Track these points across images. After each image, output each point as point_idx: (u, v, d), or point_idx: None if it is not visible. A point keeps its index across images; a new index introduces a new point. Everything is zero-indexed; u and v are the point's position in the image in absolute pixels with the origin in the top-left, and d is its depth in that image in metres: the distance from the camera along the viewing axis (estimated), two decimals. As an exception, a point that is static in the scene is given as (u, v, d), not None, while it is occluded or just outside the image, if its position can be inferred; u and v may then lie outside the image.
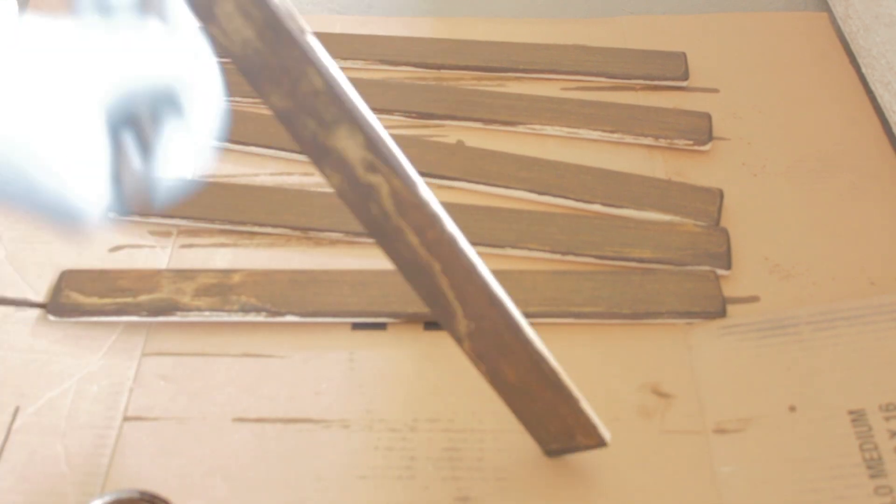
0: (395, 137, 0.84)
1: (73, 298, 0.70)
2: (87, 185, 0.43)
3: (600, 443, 0.59)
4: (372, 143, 0.48)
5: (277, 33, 0.45)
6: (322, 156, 0.49)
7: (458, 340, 0.56)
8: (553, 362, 0.56)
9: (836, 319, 0.68)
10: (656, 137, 0.84)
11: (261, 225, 0.77)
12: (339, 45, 0.95)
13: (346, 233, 0.76)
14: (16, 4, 0.99)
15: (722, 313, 0.70)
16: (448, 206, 0.78)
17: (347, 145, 0.48)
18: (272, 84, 0.47)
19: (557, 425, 0.58)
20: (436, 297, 0.54)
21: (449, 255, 0.52)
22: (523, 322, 0.55)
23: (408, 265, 0.53)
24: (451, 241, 0.52)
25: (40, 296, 0.72)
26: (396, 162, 0.49)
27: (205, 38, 0.44)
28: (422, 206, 0.50)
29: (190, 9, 0.44)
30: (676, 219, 0.77)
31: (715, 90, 0.90)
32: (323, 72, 0.46)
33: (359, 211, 0.51)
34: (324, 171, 0.49)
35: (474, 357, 0.56)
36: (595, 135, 0.85)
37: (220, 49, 0.45)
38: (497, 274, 0.72)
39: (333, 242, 0.76)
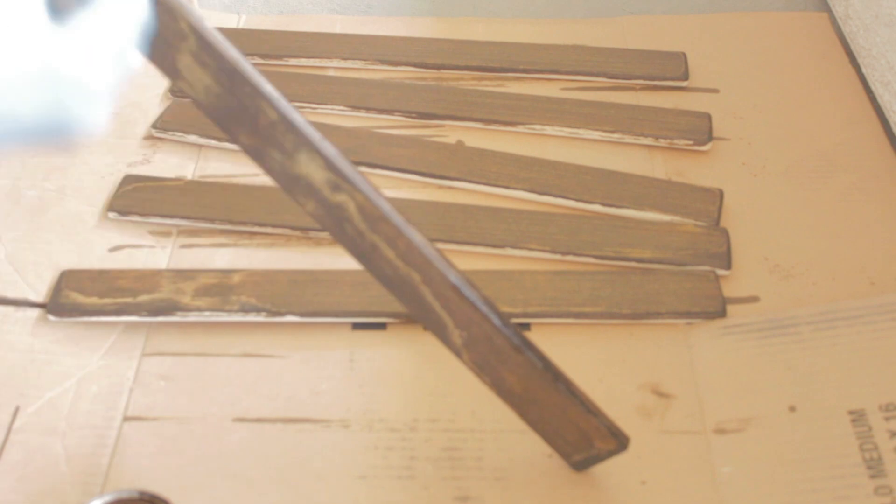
0: (395, 137, 0.85)
1: (73, 298, 0.70)
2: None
3: (620, 446, 0.58)
4: (330, 162, 0.51)
5: (230, 75, 0.48)
6: (293, 185, 0.52)
7: (458, 354, 0.56)
8: (552, 365, 0.56)
9: (836, 319, 0.68)
10: (656, 137, 0.84)
11: (261, 225, 0.77)
12: (339, 45, 0.95)
13: (346, 233, 0.76)
14: None
15: (722, 313, 0.70)
16: (448, 206, 0.79)
17: (311, 169, 0.51)
18: (237, 124, 0.50)
19: (573, 432, 0.58)
20: (425, 310, 0.55)
21: (423, 264, 0.54)
22: (510, 325, 0.55)
23: (392, 282, 0.54)
24: (421, 249, 0.53)
25: (40, 296, 0.72)
26: (356, 177, 0.52)
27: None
28: (387, 217, 0.52)
29: (159, 70, 0.48)
30: (676, 219, 0.77)
31: (715, 90, 0.90)
32: (275, 103, 0.49)
33: (337, 235, 0.53)
34: (298, 200, 0.52)
35: (475, 369, 0.56)
36: (595, 135, 0.85)
37: (193, 101, 0.50)
38: (497, 274, 0.72)
39: (333, 242, 0.76)
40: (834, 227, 0.76)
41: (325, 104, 0.88)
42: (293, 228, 0.76)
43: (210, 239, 0.77)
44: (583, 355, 0.68)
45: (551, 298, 0.70)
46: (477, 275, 0.72)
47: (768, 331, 0.68)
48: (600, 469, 0.61)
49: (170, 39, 0.47)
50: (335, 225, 0.53)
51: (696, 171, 0.82)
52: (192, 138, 0.85)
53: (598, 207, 0.78)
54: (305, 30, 0.98)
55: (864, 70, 0.91)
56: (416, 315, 0.55)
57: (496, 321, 0.55)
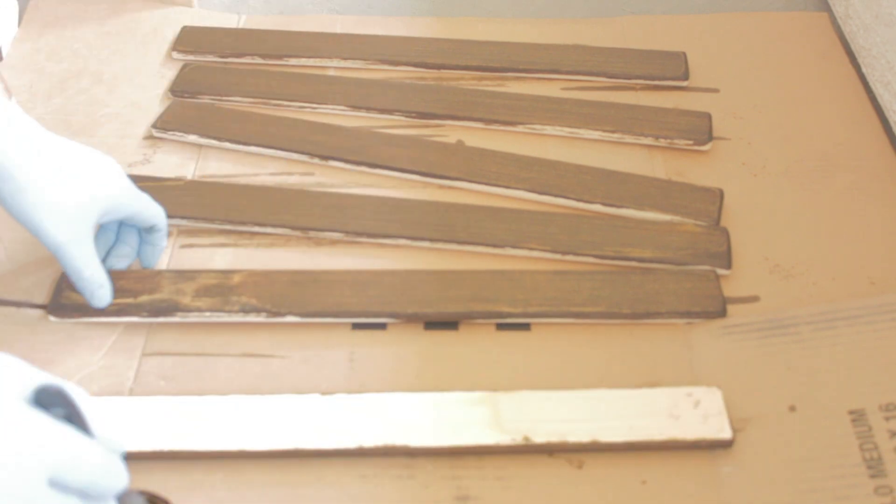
0: (395, 137, 0.85)
1: (74, 299, 0.70)
2: None
3: None
4: None
5: None
6: None
7: None
8: None
9: (836, 319, 0.68)
10: (656, 137, 0.84)
11: (261, 225, 0.77)
12: (339, 45, 0.95)
13: (346, 233, 0.76)
14: (16, 6, 0.99)
15: (722, 313, 0.70)
16: (448, 206, 0.79)
17: None
18: None
19: None
20: None
21: None
22: None
23: None
24: None
25: (40, 296, 0.72)
26: None
27: None
28: None
29: None
30: (676, 219, 0.77)
31: (715, 90, 0.90)
32: None
33: None
34: None
35: None
36: (595, 135, 0.85)
37: None
38: (497, 274, 0.72)
39: (333, 242, 0.76)
40: (834, 227, 0.76)
41: (326, 104, 0.88)
42: (293, 228, 0.76)
43: (210, 239, 0.77)
44: (583, 355, 0.68)
45: (551, 298, 0.70)
46: (477, 275, 0.72)
47: (768, 331, 0.68)
48: (600, 469, 0.61)
49: None
50: None
51: (696, 171, 0.82)
52: (192, 138, 0.85)
53: (598, 207, 0.78)
54: (305, 30, 0.98)
55: (864, 70, 0.91)
56: None
57: None
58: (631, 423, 0.62)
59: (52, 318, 0.70)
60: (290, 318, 0.69)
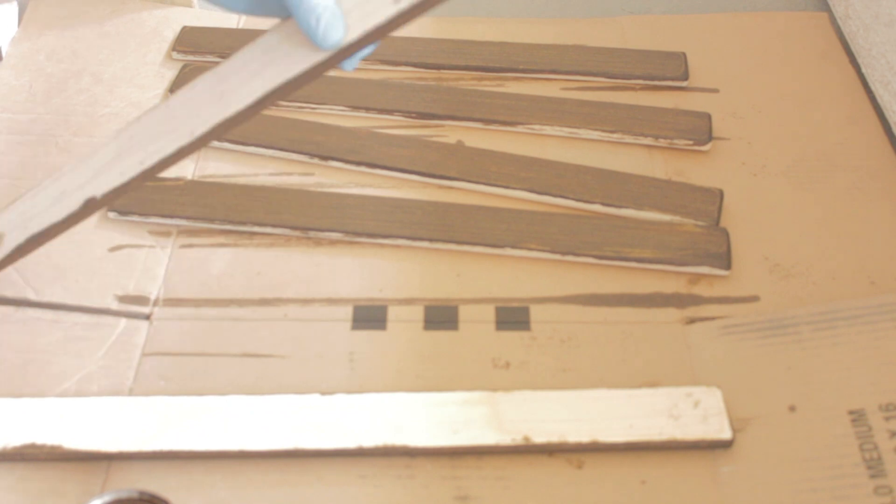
0: (395, 137, 0.85)
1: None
2: None
3: None
4: None
5: None
6: None
7: None
8: None
9: (836, 319, 0.68)
10: (656, 137, 0.84)
11: (261, 225, 0.77)
12: (339, 45, 0.95)
13: (346, 233, 0.76)
14: (16, 6, 0.99)
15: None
16: (448, 206, 0.79)
17: None
18: None
19: None
20: None
21: None
22: None
23: None
24: None
25: (40, 295, 0.72)
26: None
27: None
28: None
29: None
30: (676, 219, 0.77)
31: (715, 90, 0.90)
32: None
33: None
34: None
35: None
36: (595, 135, 0.85)
37: None
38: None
39: (333, 242, 0.76)
40: (834, 227, 0.76)
41: (325, 104, 0.88)
42: (293, 228, 0.76)
43: (210, 239, 0.77)
44: (582, 355, 0.68)
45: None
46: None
47: (768, 331, 0.68)
48: (600, 469, 0.61)
49: None
50: None
51: (696, 171, 0.82)
52: (192, 138, 0.85)
53: (597, 207, 0.78)
54: (305, 30, 0.97)
55: (864, 70, 0.91)
56: None
57: None
58: (631, 423, 0.62)
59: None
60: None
